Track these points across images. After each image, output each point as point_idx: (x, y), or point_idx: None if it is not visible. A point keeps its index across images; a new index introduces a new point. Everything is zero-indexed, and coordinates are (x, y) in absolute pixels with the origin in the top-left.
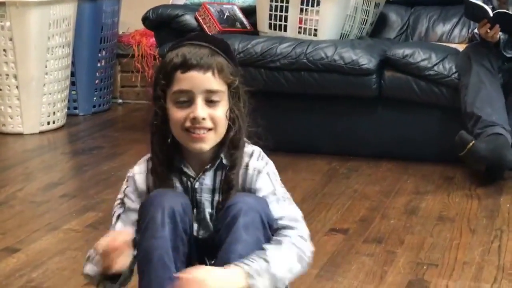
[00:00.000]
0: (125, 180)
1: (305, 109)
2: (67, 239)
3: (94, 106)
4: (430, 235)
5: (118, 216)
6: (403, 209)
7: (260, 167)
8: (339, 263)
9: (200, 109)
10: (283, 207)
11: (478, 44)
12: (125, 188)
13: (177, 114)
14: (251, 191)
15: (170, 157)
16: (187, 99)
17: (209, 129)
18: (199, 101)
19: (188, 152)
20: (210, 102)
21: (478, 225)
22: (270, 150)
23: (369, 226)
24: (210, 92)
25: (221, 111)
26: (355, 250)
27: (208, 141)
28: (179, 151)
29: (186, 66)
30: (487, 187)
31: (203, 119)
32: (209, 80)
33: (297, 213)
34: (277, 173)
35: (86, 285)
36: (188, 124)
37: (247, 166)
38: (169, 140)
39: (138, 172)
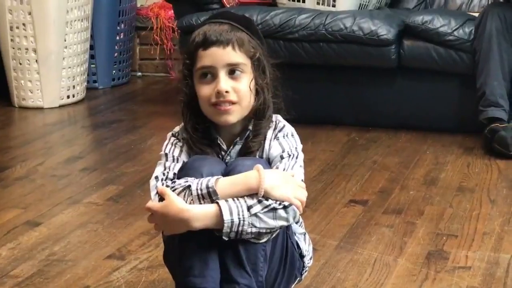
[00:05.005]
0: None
1: (324, 81)
2: (88, 212)
3: (113, 79)
4: (449, 206)
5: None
6: (422, 180)
7: (276, 136)
8: (359, 235)
9: (223, 83)
10: (285, 164)
11: (498, 2)
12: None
13: (203, 90)
14: (269, 160)
15: (204, 132)
16: (211, 74)
17: (234, 103)
18: (222, 75)
19: (219, 126)
20: (233, 75)
21: (498, 196)
22: (290, 122)
23: (389, 197)
24: (231, 65)
25: (244, 83)
26: (375, 221)
27: (233, 114)
28: (213, 125)
29: (206, 43)
30: (507, 157)
31: (227, 92)
32: (229, 54)
33: (298, 175)
34: (294, 134)
35: (108, 258)
36: (213, 99)
37: (265, 137)
38: (198, 118)
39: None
